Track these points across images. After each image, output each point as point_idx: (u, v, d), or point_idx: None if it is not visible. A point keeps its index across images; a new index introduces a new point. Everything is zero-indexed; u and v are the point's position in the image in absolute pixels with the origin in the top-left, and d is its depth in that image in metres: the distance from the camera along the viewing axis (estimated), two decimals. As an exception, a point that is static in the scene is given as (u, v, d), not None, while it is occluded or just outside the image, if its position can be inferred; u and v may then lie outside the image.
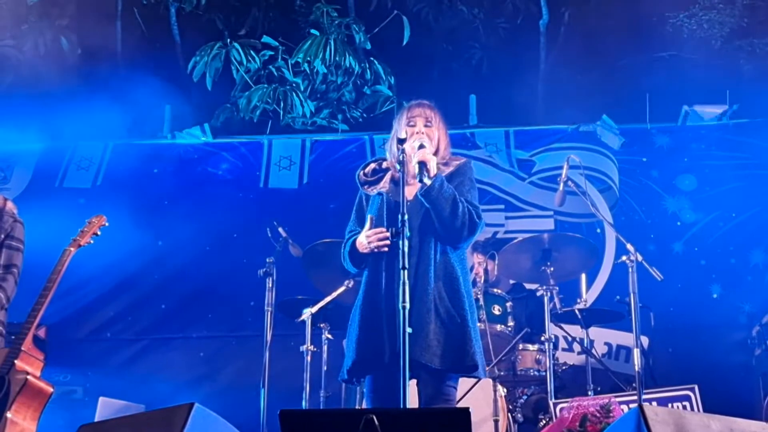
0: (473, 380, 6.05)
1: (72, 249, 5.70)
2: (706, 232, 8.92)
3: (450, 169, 4.86)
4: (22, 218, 5.80)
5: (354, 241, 4.79)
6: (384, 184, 4.88)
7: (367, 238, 4.69)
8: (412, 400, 4.75)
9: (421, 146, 4.71)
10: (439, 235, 4.69)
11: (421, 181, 4.62)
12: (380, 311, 4.65)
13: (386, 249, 4.64)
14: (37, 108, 9.55)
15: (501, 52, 11.53)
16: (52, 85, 10.09)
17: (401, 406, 4.11)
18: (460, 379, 4.83)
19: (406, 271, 4.33)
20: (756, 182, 8.88)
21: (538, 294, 7.30)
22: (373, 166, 5.03)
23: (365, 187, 4.94)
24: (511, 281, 7.99)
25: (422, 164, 4.62)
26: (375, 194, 4.88)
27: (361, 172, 5.01)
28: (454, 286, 4.66)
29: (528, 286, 8.08)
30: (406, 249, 4.39)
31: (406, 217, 4.47)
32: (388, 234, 4.61)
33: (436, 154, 4.84)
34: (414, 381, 4.70)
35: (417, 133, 4.84)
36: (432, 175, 4.62)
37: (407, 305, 4.27)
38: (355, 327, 4.74)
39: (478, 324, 5.05)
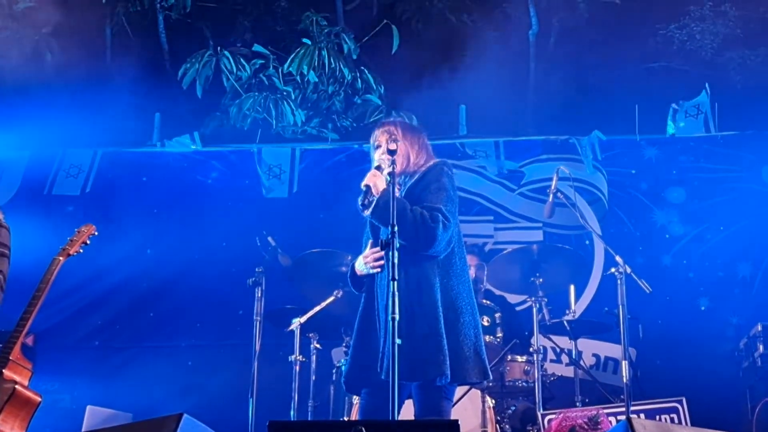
0: (464, 388, 6.09)
1: (61, 258, 5.65)
2: (695, 245, 8.91)
3: (417, 176, 4.93)
4: (8, 224, 5.73)
5: (353, 266, 4.93)
6: None
7: (364, 258, 4.83)
8: (408, 414, 4.77)
9: (379, 167, 4.83)
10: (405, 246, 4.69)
11: (363, 205, 4.75)
12: (372, 325, 4.70)
13: (378, 270, 4.74)
14: (24, 115, 9.50)
15: (491, 63, 11.54)
16: (38, 91, 10.05)
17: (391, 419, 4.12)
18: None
19: (396, 283, 4.33)
20: (744, 195, 8.86)
21: (518, 309, 7.31)
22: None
23: (364, 211, 4.94)
24: (497, 292, 7.99)
25: (368, 187, 4.74)
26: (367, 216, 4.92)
27: (359, 198, 4.98)
28: (425, 295, 4.66)
29: (512, 298, 8.09)
30: (396, 260, 4.39)
31: (396, 228, 4.48)
32: (382, 253, 4.66)
33: (407, 166, 4.94)
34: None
35: (383, 153, 4.90)
36: (378, 194, 4.71)
37: (397, 317, 4.26)
38: (352, 340, 4.84)
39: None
